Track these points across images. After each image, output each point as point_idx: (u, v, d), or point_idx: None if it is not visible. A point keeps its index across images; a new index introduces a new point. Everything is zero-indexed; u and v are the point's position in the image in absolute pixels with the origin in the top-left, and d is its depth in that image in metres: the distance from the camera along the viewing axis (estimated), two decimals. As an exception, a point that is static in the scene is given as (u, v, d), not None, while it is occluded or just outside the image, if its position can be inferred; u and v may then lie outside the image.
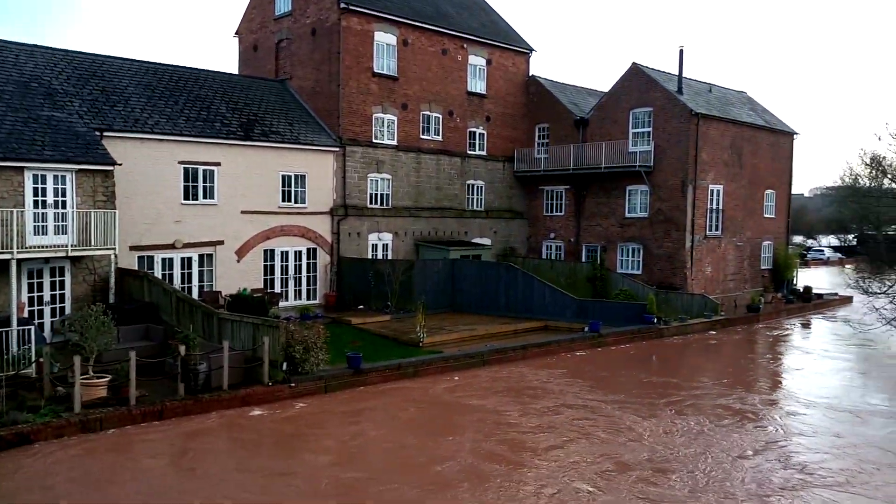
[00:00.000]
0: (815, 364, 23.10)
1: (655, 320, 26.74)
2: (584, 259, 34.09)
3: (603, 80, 67.50)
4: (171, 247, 24.08)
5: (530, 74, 36.69)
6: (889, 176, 36.83)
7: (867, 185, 45.29)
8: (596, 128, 33.85)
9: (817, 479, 12.40)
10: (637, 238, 32.70)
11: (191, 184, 24.63)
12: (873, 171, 39.80)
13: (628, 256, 33.03)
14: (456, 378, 19.34)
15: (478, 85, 34.27)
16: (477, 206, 34.70)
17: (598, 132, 33.65)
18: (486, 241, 34.51)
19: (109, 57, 26.41)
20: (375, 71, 29.95)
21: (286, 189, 27.28)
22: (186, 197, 24.50)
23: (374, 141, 30.11)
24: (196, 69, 28.76)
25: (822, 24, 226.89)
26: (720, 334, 27.95)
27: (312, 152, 28.00)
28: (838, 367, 22.89)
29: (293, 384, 16.95)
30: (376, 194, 30.42)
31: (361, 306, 28.09)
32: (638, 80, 32.65)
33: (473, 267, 29.82)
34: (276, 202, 26.94)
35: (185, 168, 24.43)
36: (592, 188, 34.22)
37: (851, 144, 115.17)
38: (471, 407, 16.65)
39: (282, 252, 27.30)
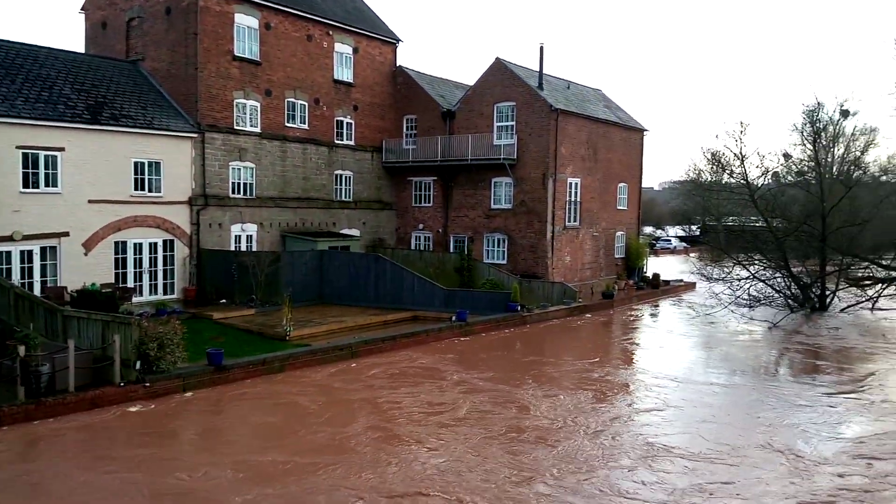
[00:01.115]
0: (664, 344, 24.85)
1: (519, 308, 27.69)
2: (451, 249, 34.66)
3: (469, 73, 68.85)
4: (10, 239, 22.02)
5: (398, 65, 36.70)
6: (727, 171, 40.15)
7: (709, 179, 49.12)
8: (463, 120, 34.44)
9: (674, 446, 13.34)
10: (502, 229, 33.66)
11: (31, 170, 22.59)
12: (714, 167, 43.26)
13: (494, 246, 33.94)
14: (330, 370, 19.09)
15: (345, 73, 33.82)
16: (345, 197, 34.32)
17: (465, 124, 34.26)
18: (355, 232, 34.24)
19: (-71, 27, 23.64)
20: (236, 55, 28.79)
21: (139, 177, 25.68)
22: (26, 185, 22.46)
23: (236, 128, 28.98)
24: (36, 46, 26.37)
25: (667, 28, 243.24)
26: (579, 320, 29.39)
27: (168, 138, 26.51)
28: (684, 345, 24.77)
29: (148, 384, 16.03)
30: (239, 183, 29.31)
31: (224, 301, 27.03)
32: (501, 75, 33.52)
33: (342, 258, 29.50)
34: (128, 191, 25.29)
35: (23, 153, 22.36)
36: (460, 179, 34.83)
37: (696, 141, 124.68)
38: (345, 394, 16.52)
39: (135, 244, 25.70)
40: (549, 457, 12.87)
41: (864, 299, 31.85)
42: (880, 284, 32.73)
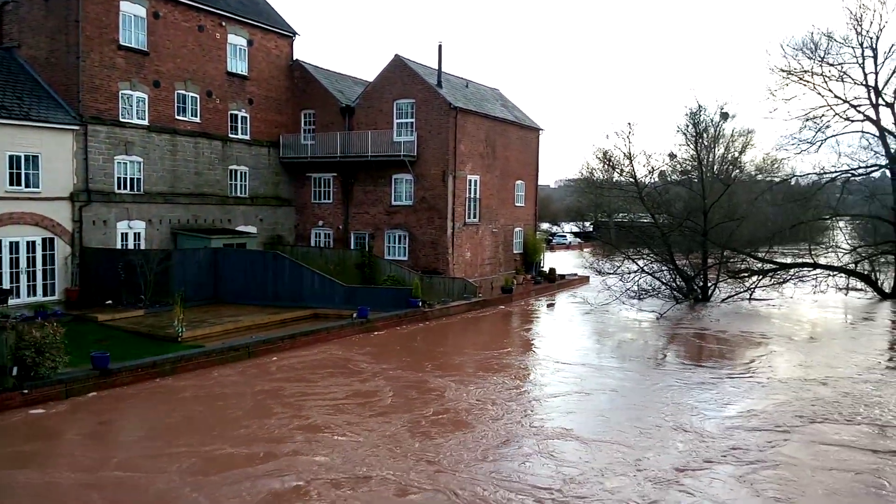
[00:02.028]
0: (561, 334, 25.66)
1: (421, 304, 27.84)
2: (352, 246, 34.39)
3: (368, 69, 68.48)
4: None
5: (294, 59, 36.00)
6: (617, 170, 41.88)
7: (601, 177, 51.03)
8: (362, 116, 34.20)
9: (570, 429, 13.79)
10: (403, 225, 33.70)
11: None
12: (605, 166, 45.02)
13: (395, 243, 33.93)
14: (225, 371, 18.51)
15: (239, 66, 32.84)
16: (241, 193, 33.34)
17: (365, 121, 34.04)
18: (252, 230, 33.34)
19: None
20: (122, 44, 27.37)
21: (15, 171, 23.98)
22: None
23: (122, 120, 27.56)
24: None
25: (562, 31, 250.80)
26: (480, 314, 29.86)
27: (47, 130, 24.89)
28: (580, 335, 25.69)
29: (26, 391, 15.03)
30: (126, 178, 27.90)
31: (111, 301, 25.65)
32: (401, 72, 33.54)
33: (238, 256, 28.67)
34: (2, 186, 23.57)
35: None
36: (360, 176, 34.57)
37: (590, 141, 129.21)
38: (247, 392, 16.08)
39: (11, 243, 23.98)
40: (452, 443, 13.02)
41: (742, 290, 34.09)
42: (756, 276, 35.15)
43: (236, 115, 32.83)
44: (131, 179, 28.10)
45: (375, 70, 34.85)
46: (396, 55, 33.88)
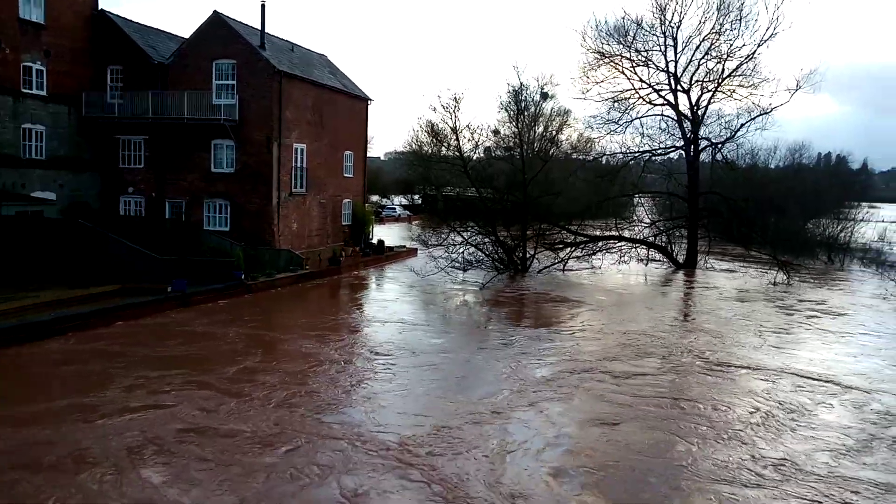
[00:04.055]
0: (388, 305, 25.78)
1: (244, 276, 26.76)
2: (168, 215, 32.17)
3: (186, 27, 63.92)
4: None
5: (99, 9, 32.68)
6: (444, 144, 42.64)
7: (429, 151, 51.77)
8: (178, 76, 31.84)
9: (389, 389, 13.93)
10: (225, 194, 32.03)
11: None
12: (432, 139, 45.63)
13: (216, 213, 32.18)
14: (20, 351, 16.63)
15: (33, 12, 29.20)
16: (37, 155, 29.87)
17: (181, 81, 31.70)
18: (51, 196, 30.05)
19: None
20: None
21: None
22: None
23: None
24: None
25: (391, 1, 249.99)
26: (307, 286, 29.31)
27: None
28: (408, 305, 26.09)
29: None
30: None
31: None
32: (221, 31, 31.62)
33: (34, 225, 25.77)
34: None
35: None
36: (175, 140, 32.26)
37: (420, 113, 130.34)
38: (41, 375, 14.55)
39: None
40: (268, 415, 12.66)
41: (557, 261, 36.31)
42: (570, 248, 37.61)
43: (30, 69, 29.25)
44: None
45: (194, 27, 32.60)
46: (215, 11, 31.85)
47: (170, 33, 36.85)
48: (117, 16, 33.31)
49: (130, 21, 34.20)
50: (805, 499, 10.21)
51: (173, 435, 11.83)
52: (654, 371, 17.23)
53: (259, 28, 32.73)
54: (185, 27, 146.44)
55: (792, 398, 15.20)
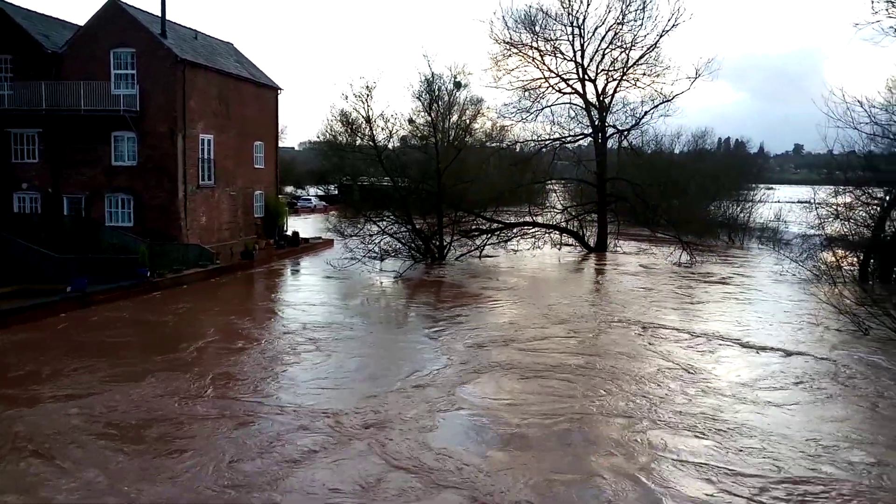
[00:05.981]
0: (304, 297, 25.45)
1: (149, 274, 25.84)
2: (66, 212, 30.67)
3: (81, 13, 60.76)
4: None
5: (-17, -6, 30.70)
6: (358, 134, 42.23)
7: (343, 140, 51.18)
8: (74, 65, 30.29)
9: (307, 377, 13.82)
10: (127, 188, 30.77)
11: None
12: (346, 129, 45.13)
13: (118, 208, 30.89)
14: None
15: None
16: (-85, 151, 27.91)
17: (77, 71, 30.17)
18: (-67, 194, 28.14)
19: None
20: None
21: None
22: None
23: None
24: None
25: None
26: (218, 281, 28.53)
27: None
28: (323, 296, 25.93)
29: None
30: None
31: None
32: (118, 18, 30.26)
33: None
34: None
35: None
36: (72, 133, 30.70)
37: (333, 102, 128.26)
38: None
39: None
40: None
41: (473, 248, 36.74)
42: (485, 235, 38.09)
43: None
44: None
45: (90, 13, 31.04)
46: (112, -2, 30.45)
47: (65, 21, 34.97)
48: (5, 2, 31.34)
49: (20, 8, 32.25)
50: (691, 429, 11.48)
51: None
52: (563, 334, 19.51)
53: (160, 15, 31.50)
54: (83, 15, 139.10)
55: (685, 353, 17.61)
